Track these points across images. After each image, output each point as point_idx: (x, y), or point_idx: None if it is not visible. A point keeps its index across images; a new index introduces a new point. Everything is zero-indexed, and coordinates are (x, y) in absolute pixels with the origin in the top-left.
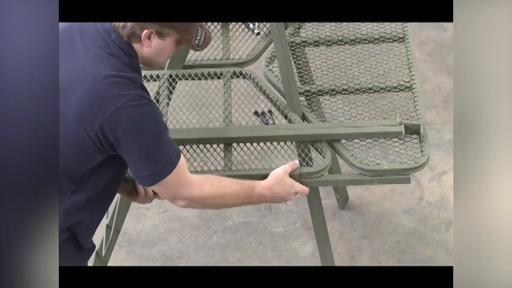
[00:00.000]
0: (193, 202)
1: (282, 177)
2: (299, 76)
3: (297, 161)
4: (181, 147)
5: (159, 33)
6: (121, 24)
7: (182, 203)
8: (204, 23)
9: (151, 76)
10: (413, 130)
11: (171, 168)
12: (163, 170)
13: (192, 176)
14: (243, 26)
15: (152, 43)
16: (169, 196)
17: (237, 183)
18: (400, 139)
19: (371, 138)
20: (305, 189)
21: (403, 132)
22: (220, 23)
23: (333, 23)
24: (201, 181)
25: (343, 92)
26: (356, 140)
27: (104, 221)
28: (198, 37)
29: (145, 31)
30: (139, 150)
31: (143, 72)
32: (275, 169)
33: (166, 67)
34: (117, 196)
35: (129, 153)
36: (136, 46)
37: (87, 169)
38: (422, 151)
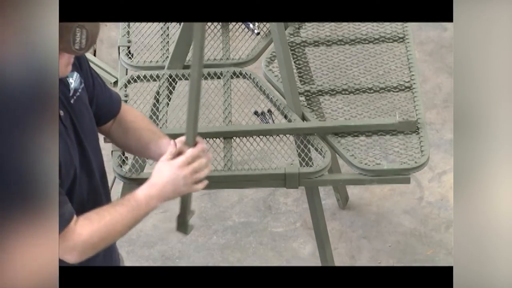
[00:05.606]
0: (84, 249)
1: (161, 165)
2: (299, 76)
3: (173, 141)
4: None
5: None
6: None
7: (71, 257)
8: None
9: (151, 76)
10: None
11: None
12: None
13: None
14: (243, 26)
15: None
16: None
17: (113, 204)
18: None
19: (365, 133)
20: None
21: (397, 122)
22: (220, 23)
23: (333, 23)
24: (79, 224)
25: (343, 92)
26: (356, 140)
27: None
28: (77, 41)
29: None
30: None
31: (143, 72)
32: (275, 168)
33: (166, 67)
34: (118, 197)
35: None
36: None
37: None
38: (422, 151)
